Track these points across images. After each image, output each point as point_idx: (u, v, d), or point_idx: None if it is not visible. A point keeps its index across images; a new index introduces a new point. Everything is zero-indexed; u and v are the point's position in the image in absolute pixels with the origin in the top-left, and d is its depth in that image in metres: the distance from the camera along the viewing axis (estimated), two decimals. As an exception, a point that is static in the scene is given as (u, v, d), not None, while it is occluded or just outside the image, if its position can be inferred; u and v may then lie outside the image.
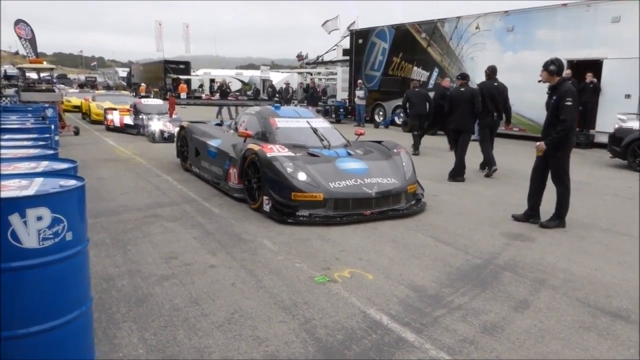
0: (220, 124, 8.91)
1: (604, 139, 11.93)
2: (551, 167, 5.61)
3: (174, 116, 13.33)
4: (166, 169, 8.77)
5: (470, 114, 8.49)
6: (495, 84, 8.89)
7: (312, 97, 21.99)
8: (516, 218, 5.92)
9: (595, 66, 13.48)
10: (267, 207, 5.72)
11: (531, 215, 5.82)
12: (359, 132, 7.69)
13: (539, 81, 5.60)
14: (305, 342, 3.00)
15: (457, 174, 8.36)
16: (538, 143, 5.53)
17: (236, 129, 7.68)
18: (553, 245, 5.05)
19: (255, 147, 6.07)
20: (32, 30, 26.60)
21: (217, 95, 27.50)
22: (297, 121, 7.26)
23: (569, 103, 5.24)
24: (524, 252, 4.83)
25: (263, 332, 3.10)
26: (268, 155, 5.83)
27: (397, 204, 6.01)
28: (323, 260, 4.40)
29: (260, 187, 5.87)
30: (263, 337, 3.04)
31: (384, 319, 3.34)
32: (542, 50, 14.33)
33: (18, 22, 26.53)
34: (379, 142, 7.28)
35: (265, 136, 6.90)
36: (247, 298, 3.58)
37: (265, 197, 5.75)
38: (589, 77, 13.35)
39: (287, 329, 3.14)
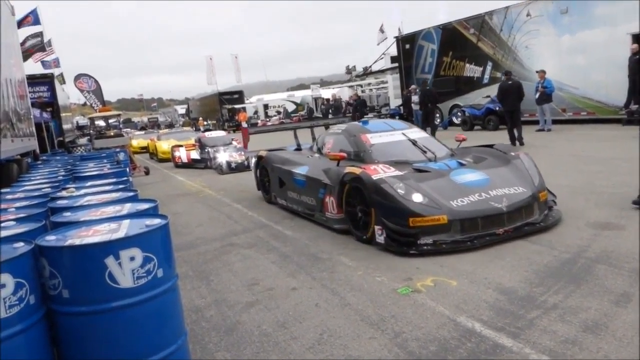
0: (299, 149, 8.36)
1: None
2: None
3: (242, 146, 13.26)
4: (235, 197, 8.98)
5: (518, 99, 12.02)
6: (428, 87, 16.58)
7: (356, 110, 20.55)
8: (637, 203, 5.45)
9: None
10: (380, 238, 4.94)
11: None
12: (460, 138, 6.84)
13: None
14: (399, 356, 2.94)
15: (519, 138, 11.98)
16: None
17: (320, 152, 7.12)
18: (647, 231, 4.73)
19: (357, 170, 5.31)
20: (96, 81, 28.33)
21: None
22: (391, 134, 6.50)
23: None
24: (616, 241, 4.54)
25: (355, 350, 3.07)
26: (373, 177, 5.06)
27: (530, 217, 5.13)
28: (403, 271, 4.32)
29: (367, 214, 5.18)
30: (355, 355, 3.01)
31: (476, 325, 3.22)
32: (603, 27, 13.63)
33: (79, 76, 28.31)
34: (490, 145, 6.33)
35: (359, 156, 6.18)
36: (333, 317, 3.57)
37: (377, 227, 4.97)
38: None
39: (378, 345, 3.10)
